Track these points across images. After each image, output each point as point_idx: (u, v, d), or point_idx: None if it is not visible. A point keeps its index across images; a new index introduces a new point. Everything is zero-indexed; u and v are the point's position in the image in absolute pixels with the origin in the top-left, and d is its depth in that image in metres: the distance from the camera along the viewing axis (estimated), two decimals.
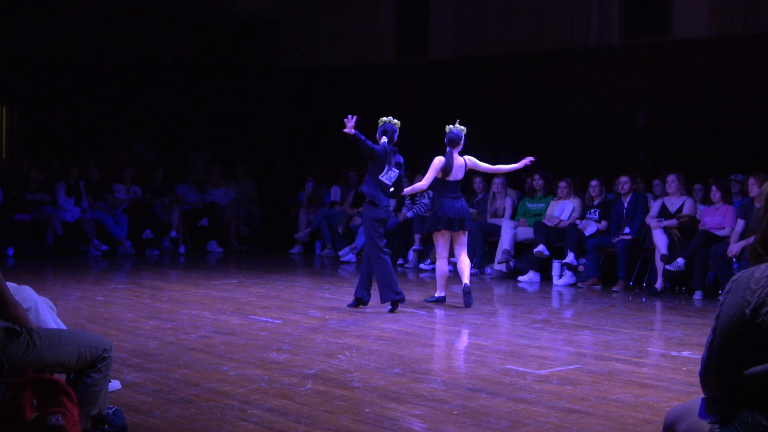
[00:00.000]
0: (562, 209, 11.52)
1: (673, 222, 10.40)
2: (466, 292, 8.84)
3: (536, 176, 12.05)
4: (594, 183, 11.38)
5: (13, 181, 13.44)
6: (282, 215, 15.97)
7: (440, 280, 9.07)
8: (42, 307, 4.57)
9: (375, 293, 8.67)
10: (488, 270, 11.87)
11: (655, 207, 10.70)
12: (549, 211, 11.66)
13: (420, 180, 9.28)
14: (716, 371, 2.75)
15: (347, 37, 17.26)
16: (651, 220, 10.53)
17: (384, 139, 8.61)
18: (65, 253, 13.06)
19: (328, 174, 15.55)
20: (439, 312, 8.68)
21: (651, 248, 10.52)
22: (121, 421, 4.23)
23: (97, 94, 16.23)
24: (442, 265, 9.06)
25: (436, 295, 9.13)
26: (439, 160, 8.83)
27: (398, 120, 8.73)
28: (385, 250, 8.60)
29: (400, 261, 12.83)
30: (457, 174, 8.88)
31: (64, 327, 4.61)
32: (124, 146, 16.02)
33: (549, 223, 11.39)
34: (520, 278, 11.32)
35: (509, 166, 9.20)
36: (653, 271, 10.50)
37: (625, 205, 10.95)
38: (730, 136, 12.74)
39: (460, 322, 8.07)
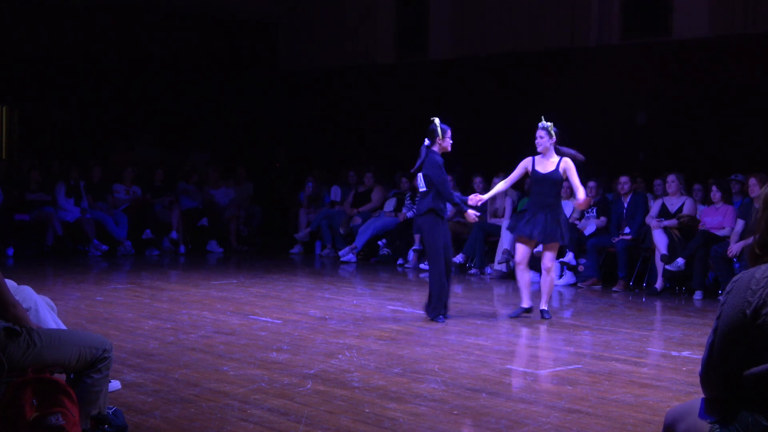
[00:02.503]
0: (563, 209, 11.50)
1: (673, 222, 10.40)
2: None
3: None
4: (591, 184, 11.36)
5: (13, 181, 13.44)
6: (282, 215, 15.97)
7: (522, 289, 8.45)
8: (42, 307, 4.57)
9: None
10: (488, 270, 11.87)
11: (655, 207, 10.70)
12: None
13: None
14: (716, 372, 2.75)
15: (347, 37, 17.25)
16: (651, 220, 10.53)
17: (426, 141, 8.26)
18: (65, 253, 13.05)
19: (328, 174, 15.55)
20: None
21: (651, 248, 10.52)
22: (121, 421, 4.23)
23: (97, 94, 16.22)
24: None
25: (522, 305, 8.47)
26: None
27: (437, 117, 8.21)
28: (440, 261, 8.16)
29: (400, 261, 12.84)
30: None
31: (64, 327, 4.61)
32: (125, 146, 16.02)
33: None
34: None
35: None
36: (653, 271, 10.50)
37: (625, 205, 10.96)
38: (730, 136, 12.73)
39: (460, 322, 8.07)
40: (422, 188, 8.17)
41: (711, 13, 12.88)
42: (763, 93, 12.42)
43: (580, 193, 8.22)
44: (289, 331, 7.38)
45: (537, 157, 8.32)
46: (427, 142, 8.19)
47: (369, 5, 16.99)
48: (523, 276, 8.38)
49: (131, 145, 16.19)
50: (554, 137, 8.27)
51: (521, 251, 8.33)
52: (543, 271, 8.37)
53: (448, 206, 8.63)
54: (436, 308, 8.07)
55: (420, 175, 8.18)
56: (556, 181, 8.20)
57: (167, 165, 15.41)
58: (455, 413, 4.97)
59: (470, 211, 8.41)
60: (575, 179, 8.17)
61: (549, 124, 8.30)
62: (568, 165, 8.19)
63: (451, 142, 8.19)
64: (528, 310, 8.41)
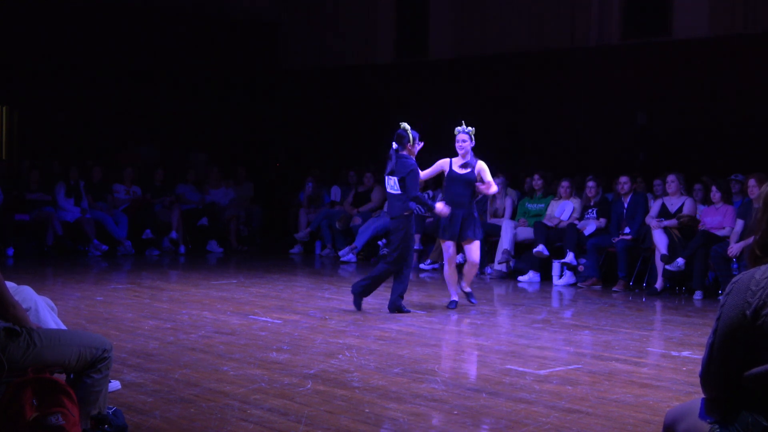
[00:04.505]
0: (563, 209, 11.52)
1: (673, 222, 10.40)
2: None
3: (536, 176, 12.06)
4: (590, 184, 11.37)
5: (13, 181, 13.44)
6: (282, 215, 15.98)
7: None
8: (42, 307, 4.57)
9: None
10: (488, 270, 11.87)
11: (655, 207, 10.70)
12: (549, 211, 11.66)
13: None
14: (716, 372, 2.75)
15: (347, 37, 17.25)
16: (651, 220, 10.53)
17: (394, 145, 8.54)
18: (65, 253, 13.06)
19: (328, 174, 15.56)
20: (439, 312, 8.68)
21: (651, 248, 10.52)
22: (121, 421, 4.23)
23: (97, 94, 16.22)
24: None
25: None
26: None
27: (405, 122, 8.56)
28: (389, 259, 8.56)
29: None
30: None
31: (64, 327, 4.61)
32: (130, 146, 16.02)
33: (549, 223, 11.38)
34: (520, 278, 11.32)
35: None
36: (653, 271, 10.50)
37: (625, 205, 10.95)
38: (730, 136, 12.73)
39: (460, 322, 8.07)
40: (396, 191, 8.44)
41: (711, 13, 12.88)
42: (763, 93, 12.42)
43: (494, 187, 8.96)
44: (289, 331, 7.38)
45: (454, 159, 8.79)
46: (395, 146, 8.46)
47: (369, 5, 16.99)
48: (453, 273, 8.94)
49: (134, 145, 16.20)
50: (473, 141, 8.73)
51: (449, 250, 8.89)
52: (469, 264, 8.90)
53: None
54: (398, 301, 8.44)
55: (394, 178, 8.43)
56: (470, 181, 8.73)
57: (167, 165, 15.42)
58: (455, 413, 4.97)
59: (438, 205, 8.66)
60: (489, 177, 8.76)
61: (471, 129, 8.74)
62: (482, 167, 8.73)
63: (419, 146, 8.53)
64: (456, 303, 8.91)
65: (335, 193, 14.55)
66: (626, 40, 13.81)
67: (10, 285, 4.28)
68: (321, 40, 17.68)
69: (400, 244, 8.39)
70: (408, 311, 8.49)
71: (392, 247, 8.52)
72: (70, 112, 16.07)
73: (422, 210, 12.58)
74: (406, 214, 8.37)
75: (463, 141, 8.71)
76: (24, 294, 4.54)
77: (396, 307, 8.47)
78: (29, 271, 10.86)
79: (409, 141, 8.43)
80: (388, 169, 8.49)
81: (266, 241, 15.52)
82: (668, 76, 13.39)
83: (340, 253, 13.43)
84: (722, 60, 12.90)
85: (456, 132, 8.75)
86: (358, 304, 8.55)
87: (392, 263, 8.43)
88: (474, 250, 8.83)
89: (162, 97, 16.77)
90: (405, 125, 8.49)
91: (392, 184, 8.44)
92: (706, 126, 12.97)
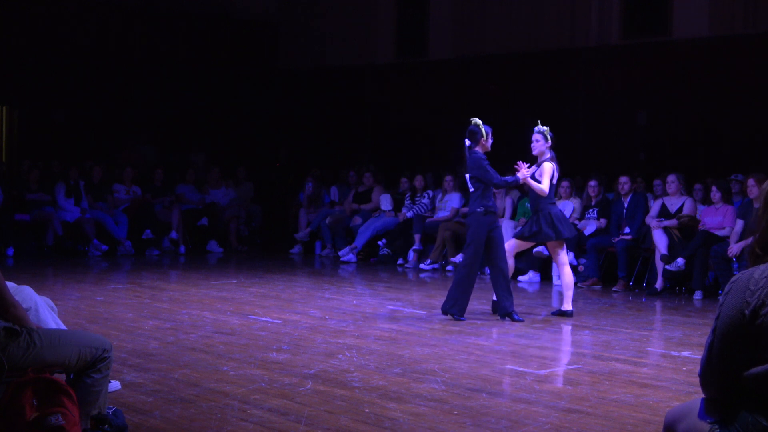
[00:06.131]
0: (563, 209, 11.51)
1: (673, 222, 10.40)
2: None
3: None
4: (592, 183, 11.37)
5: (13, 181, 13.44)
6: (282, 215, 15.97)
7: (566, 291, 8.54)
8: (42, 307, 4.57)
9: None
10: (488, 270, 11.85)
11: (655, 207, 10.70)
12: None
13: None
14: (716, 372, 2.75)
15: (347, 37, 17.25)
16: (651, 220, 10.53)
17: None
18: (65, 253, 13.05)
19: (328, 174, 15.56)
20: (438, 312, 8.67)
21: (651, 248, 10.52)
22: (121, 421, 4.23)
23: (97, 94, 16.22)
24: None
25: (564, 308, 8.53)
26: (551, 167, 8.33)
27: (478, 119, 8.19)
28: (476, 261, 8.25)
29: (400, 261, 12.85)
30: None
31: (64, 327, 4.62)
32: (130, 146, 16.03)
33: None
34: (520, 278, 11.32)
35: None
36: (653, 271, 10.51)
37: (625, 205, 10.96)
38: (730, 136, 12.73)
39: (460, 322, 8.06)
40: (470, 189, 8.21)
41: (711, 13, 12.89)
42: (763, 93, 12.42)
43: (541, 186, 8.26)
44: (289, 331, 7.38)
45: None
46: (468, 143, 8.18)
47: (369, 5, 17.00)
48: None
49: (133, 144, 16.21)
50: (549, 141, 8.41)
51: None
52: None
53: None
54: (457, 305, 8.10)
55: (467, 177, 8.21)
56: (537, 181, 8.37)
57: (167, 165, 15.41)
58: (455, 413, 4.97)
59: (519, 174, 8.32)
60: (545, 180, 8.27)
61: (545, 128, 8.41)
62: (543, 168, 8.31)
63: (491, 141, 8.23)
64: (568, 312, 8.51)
65: (335, 193, 14.55)
66: (626, 40, 13.81)
67: (10, 285, 4.28)
68: (321, 40, 17.68)
69: (472, 242, 8.11)
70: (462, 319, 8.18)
71: (465, 245, 8.27)
72: (70, 112, 16.07)
73: (421, 210, 12.62)
74: (479, 210, 8.01)
75: (536, 141, 8.39)
76: (24, 294, 4.54)
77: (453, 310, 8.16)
78: (29, 271, 10.86)
79: (482, 136, 8.10)
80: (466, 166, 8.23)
81: (266, 241, 15.52)
82: (668, 76, 13.40)
83: (340, 253, 13.43)
84: (722, 60, 12.91)
85: None
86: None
87: (466, 260, 8.15)
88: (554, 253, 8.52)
89: (162, 97, 16.77)
90: (477, 120, 8.15)
91: (469, 184, 8.21)
92: (706, 126, 12.97)
